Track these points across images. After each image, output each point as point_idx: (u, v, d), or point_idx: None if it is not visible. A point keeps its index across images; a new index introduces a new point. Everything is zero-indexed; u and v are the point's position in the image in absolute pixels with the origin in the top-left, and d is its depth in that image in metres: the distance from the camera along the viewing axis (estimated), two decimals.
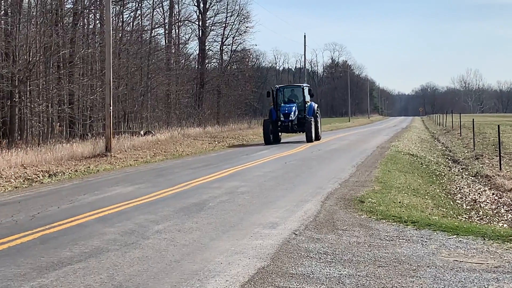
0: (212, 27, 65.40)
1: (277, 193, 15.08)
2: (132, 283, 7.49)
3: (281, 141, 38.82)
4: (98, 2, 41.36)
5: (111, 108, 28.20)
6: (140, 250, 9.17)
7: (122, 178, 19.60)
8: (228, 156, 28.08)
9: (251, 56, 78.97)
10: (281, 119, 37.08)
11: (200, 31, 63.57)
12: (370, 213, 12.10)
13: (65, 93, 35.71)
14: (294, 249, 9.14)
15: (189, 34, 65.73)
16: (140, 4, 50.26)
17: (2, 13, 32.34)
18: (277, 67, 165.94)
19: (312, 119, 36.79)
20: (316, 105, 39.36)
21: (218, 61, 68.88)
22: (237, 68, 70.11)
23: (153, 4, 53.76)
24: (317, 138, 37.94)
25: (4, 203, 14.78)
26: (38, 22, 33.90)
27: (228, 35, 67.00)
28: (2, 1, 32.90)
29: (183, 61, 61.41)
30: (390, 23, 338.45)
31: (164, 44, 57.56)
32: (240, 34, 67.44)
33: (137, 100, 47.52)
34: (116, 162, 25.13)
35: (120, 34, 46.01)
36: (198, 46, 64.49)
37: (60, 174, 20.90)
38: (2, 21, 31.04)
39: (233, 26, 66.72)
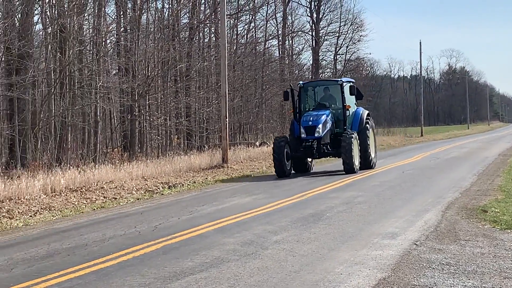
0: (326, 37, 65.23)
1: (395, 203, 14.86)
2: None
3: (312, 170, 25.76)
4: (213, 16, 42.13)
5: (227, 120, 28.62)
6: (260, 261, 9.21)
7: (239, 189, 19.81)
8: None
9: (365, 64, 78.29)
10: (302, 135, 23.58)
11: (314, 41, 63.59)
12: (494, 222, 11.71)
13: (182, 106, 36.52)
14: (415, 260, 8.96)
15: (303, 45, 65.76)
16: (254, 17, 50.85)
17: (122, 30, 33.45)
18: (392, 75, 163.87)
19: (354, 136, 23.19)
20: (367, 112, 25.60)
21: (331, 71, 68.64)
22: (351, 77, 69.66)
23: (266, 16, 54.24)
24: (368, 165, 24.32)
25: (127, 214, 15.23)
26: (156, 38, 34.85)
27: (341, 44, 66.65)
28: (122, 19, 34.02)
29: (296, 71, 61.54)
30: (510, 26, 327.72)
31: (277, 55, 57.96)
32: (354, 43, 66.91)
33: (252, 111, 48.00)
34: (232, 173, 25.44)
35: (234, 47, 46.69)
36: (311, 56, 64.54)
37: (179, 186, 21.36)
38: (122, 38, 32.09)
39: (347, 35, 66.26)
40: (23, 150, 24.20)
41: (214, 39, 43.88)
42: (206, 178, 23.46)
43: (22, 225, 14.44)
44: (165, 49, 33.80)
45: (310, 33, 63.58)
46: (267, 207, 14.99)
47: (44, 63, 27.21)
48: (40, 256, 10.41)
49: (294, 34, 61.29)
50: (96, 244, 11.15)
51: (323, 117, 23.51)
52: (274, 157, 23.53)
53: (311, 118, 23.50)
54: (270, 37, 56.01)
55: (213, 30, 44.14)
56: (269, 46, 56.35)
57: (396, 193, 16.77)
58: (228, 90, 29.84)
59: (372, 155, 24.96)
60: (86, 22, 30.79)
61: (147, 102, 32.85)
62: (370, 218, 12.71)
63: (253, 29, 52.50)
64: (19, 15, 25.58)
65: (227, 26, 36.34)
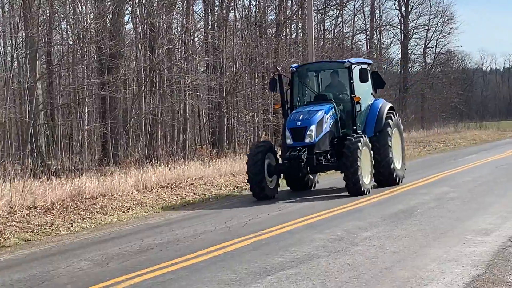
0: (415, 30, 64.31)
1: (488, 199, 14.53)
2: None
3: (315, 186, 19.10)
4: (300, 12, 42.05)
5: None
6: (350, 257, 9.16)
7: (327, 184, 19.64)
8: (434, 161, 27.40)
9: (456, 58, 76.60)
10: (287, 141, 16.79)
11: (402, 35, 62.74)
12: None
13: (269, 102, 36.58)
14: (510, 257, 8.77)
15: (391, 39, 64.98)
16: (341, 12, 50.46)
17: (209, 27, 33.80)
18: (484, 68, 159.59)
19: (363, 141, 16.28)
20: (389, 106, 18.35)
21: (421, 65, 67.61)
22: (441, 71, 68.38)
23: (354, 10, 53.81)
24: (390, 180, 17.56)
25: (217, 211, 15.38)
26: (243, 35, 35.05)
27: (431, 37, 65.50)
28: (210, 17, 34.40)
29: (385, 66, 60.84)
30: None
31: (365, 49, 57.40)
32: (444, 36, 65.67)
33: None
34: None
35: (322, 42, 46.44)
36: (400, 50, 63.69)
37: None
38: (210, 36, 32.41)
39: (437, 28, 65.13)
40: (115, 148, 24.71)
41: (301, 35, 43.77)
42: None
43: (116, 220, 14.79)
44: (252, 46, 33.95)
45: (399, 26, 62.76)
46: (357, 202, 14.89)
47: (134, 62, 27.76)
48: (133, 251, 10.65)
49: (382, 28, 60.65)
50: (187, 240, 11.32)
51: (319, 114, 16.51)
52: (248, 168, 17.00)
53: (300, 117, 16.53)
54: (358, 32, 55.52)
55: (300, 26, 44.04)
56: (356, 40, 55.86)
57: (489, 188, 16.40)
58: None
59: (397, 165, 17.86)
60: (175, 20, 31.28)
61: (235, 99, 33.07)
62: (462, 214, 12.47)
63: (340, 24, 52.13)
64: (110, 16, 26.16)
65: (314, 21, 36.20)
